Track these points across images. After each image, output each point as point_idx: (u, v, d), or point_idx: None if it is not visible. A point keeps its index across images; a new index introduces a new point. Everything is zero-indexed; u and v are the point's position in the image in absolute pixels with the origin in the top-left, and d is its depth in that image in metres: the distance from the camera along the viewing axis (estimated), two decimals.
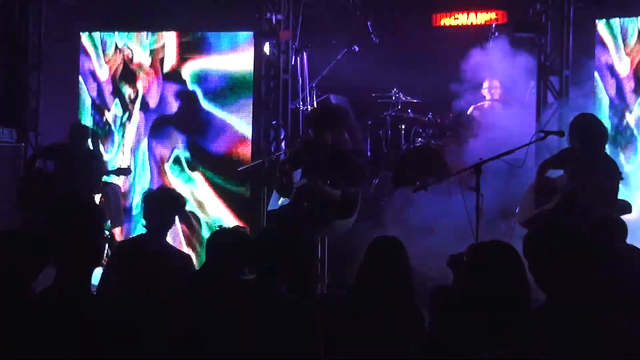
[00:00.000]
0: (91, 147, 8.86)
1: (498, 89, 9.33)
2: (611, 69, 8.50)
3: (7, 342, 2.74)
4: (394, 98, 9.60)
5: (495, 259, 3.02)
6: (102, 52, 9.85)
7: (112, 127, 9.80)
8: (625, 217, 6.22)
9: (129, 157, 9.70)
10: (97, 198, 8.57)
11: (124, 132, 9.69)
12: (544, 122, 8.29)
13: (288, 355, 3.78)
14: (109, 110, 9.82)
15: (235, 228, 5.53)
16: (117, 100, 9.78)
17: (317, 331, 3.84)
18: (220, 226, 4.87)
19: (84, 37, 9.88)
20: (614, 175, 6.67)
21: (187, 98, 9.49)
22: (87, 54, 9.89)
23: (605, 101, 8.53)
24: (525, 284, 3.00)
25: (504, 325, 2.90)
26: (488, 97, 9.39)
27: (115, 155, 9.68)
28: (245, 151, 9.15)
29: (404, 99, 9.58)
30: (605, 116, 8.38)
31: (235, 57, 9.38)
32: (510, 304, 2.96)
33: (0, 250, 3.46)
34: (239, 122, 9.29)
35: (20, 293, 3.23)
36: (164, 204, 5.12)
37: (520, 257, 3.05)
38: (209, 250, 4.47)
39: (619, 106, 8.48)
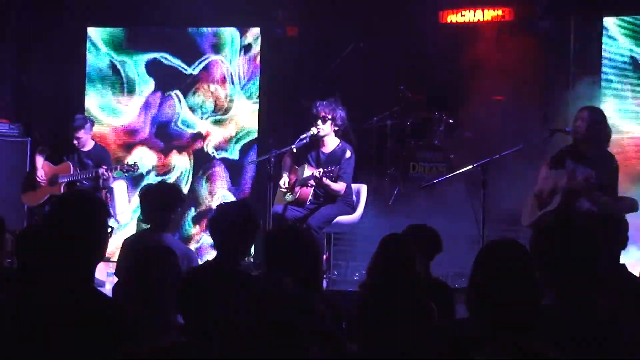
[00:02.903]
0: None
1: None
2: None
3: (9, 337, 2.74)
4: (399, 95, 9.58)
5: (505, 256, 3.02)
6: None
7: None
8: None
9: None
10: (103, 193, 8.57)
11: None
12: (550, 120, 8.28)
13: (291, 352, 3.78)
14: None
15: (240, 201, 5.53)
16: None
17: (321, 327, 3.83)
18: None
19: None
20: (613, 170, 6.63)
21: None
22: None
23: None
24: (535, 281, 3.00)
25: (513, 322, 2.90)
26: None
27: None
28: None
29: (410, 95, 9.56)
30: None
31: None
32: (520, 302, 2.96)
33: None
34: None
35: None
36: (161, 200, 5.11)
37: (529, 254, 3.04)
38: (213, 222, 4.45)
39: None
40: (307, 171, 7.49)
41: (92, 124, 8.59)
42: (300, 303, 3.86)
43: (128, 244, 5.22)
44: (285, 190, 7.64)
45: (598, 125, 6.78)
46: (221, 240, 4.39)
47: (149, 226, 5.33)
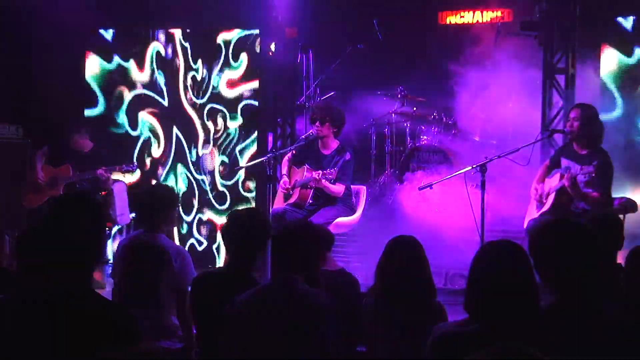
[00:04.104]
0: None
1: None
2: None
3: (7, 339, 2.74)
4: (399, 96, 9.59)
5: (502, 257, 3.02)
6: None
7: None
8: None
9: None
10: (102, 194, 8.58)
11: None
12: (549, 121, 8.27)
13: (306, 351, 3.75)
14: None
15: (252, 209, 5.53)
16: None
17: (335, 325, 3.81)
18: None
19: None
20: (606, 166, 6.62)
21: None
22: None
23: None
24: (532, 282, 3.01)
25: (513, 323, 2.91)
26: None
27: None
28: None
29: (409, 96, 9.56)
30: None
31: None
32: (518, 303, 2.97)
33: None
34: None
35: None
36: (154, 201, 5.13)
37: (527, 255, 3.05)
38: (225, 230, 4.47)
39: None
40: (307, 173, 7.49)
41: (89, 128, 8.63)
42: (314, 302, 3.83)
43: (123, 245, 5.23)
44: (285, 191, 7.64)
45: (590, 122, 6.77)
46: (233, 247, 4.39)
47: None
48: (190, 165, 9.85)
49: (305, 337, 3.76)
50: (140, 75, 10.09)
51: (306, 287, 3.87)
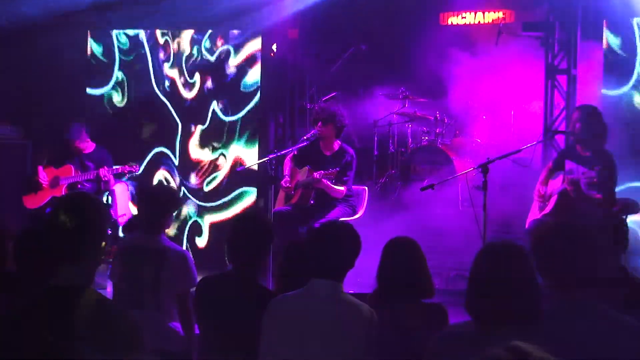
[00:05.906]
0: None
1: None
2: None
3: (9, 339, 2.74)
4: (400, 97, 9.59)
5: (504, 258, 3.02)
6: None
7: None
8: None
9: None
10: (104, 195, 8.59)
11: None
12: (551, 122, 8.27)
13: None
14: None
15: (254, 213, 5.52)
16: None
17: (375, 335, 3.77)
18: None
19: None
20: (609, 167, 6.62)
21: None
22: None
23: None
24: (535, 282, 3.00)
25: (514, 324, 2.91)
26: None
27: None
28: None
29: (410, 97, 9.57)
30: None
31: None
32: (519, 304, 2.96)
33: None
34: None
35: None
36: (156, 201, 5.11)
37: (529, 256, 3.04)
38: (228, 235, 4.44)
39: None
40: (308, 173, 7.49)
41: (88, 129, 8.63)
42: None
43: (122, 246, 5.21)
44: (287, 190, 7.64)
45: (592, 123, 6.77)
46: (237, 251, 4.37)
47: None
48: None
49: (351, 352, 3.69)
50: None
51: (353, 299, 3.77)
